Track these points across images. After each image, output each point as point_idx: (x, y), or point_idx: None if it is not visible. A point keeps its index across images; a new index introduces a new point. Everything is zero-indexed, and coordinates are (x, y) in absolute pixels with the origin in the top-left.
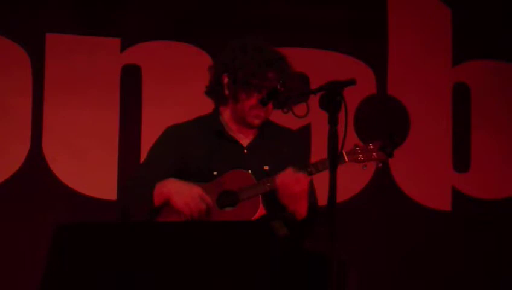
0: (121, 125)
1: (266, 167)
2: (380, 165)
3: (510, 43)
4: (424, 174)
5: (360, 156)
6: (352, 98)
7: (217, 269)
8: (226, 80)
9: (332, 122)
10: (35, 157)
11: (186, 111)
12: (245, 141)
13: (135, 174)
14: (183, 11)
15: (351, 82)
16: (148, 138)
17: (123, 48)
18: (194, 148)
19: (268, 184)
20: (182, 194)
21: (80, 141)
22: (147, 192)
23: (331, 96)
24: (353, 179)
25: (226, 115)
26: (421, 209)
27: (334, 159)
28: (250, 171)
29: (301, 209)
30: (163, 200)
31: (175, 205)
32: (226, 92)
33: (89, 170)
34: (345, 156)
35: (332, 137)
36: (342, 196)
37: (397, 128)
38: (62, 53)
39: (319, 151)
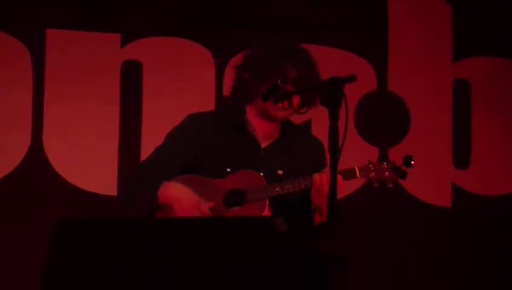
0: (122, 120)
1: (280, 172)
2: (391, 185)
3: (510, 40)
4: (424, 171)
5: (372, 173)
6: (353, 94)
7: (218, 265)
8: (248, 76)
9: (333, 118)
10: (36, 153)
11: (186, 106)
12: (264, 143)
13: (148, 161)
14: (183, 7)
15: (352, 78)
16: (149, 134)
17: (124, 43)
18: (212, 141)
19: (277, 189)
20: (182, 203)
21: (80, 137)
22: (153, 189)
23: (332, 93)
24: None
25: (251, 113)
26: (421, 206)
27: (334, 155)
28: (262, 173)
29: (324, 211)
30: (165, 202)
31: (175, 212)
32: (249, 88)
33: (89, 165)
34: (357, 171)
35: (333, 133)
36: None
37: (397, 124)
38: (62, 49)
39: None
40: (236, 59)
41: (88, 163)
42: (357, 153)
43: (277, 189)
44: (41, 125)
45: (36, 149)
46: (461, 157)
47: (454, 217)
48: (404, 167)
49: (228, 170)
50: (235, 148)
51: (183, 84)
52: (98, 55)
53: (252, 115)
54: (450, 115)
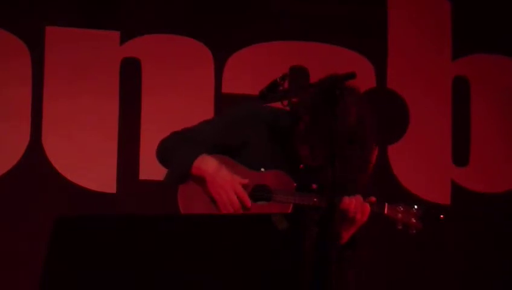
0: (121, 118)
1: (314, 186)
2: (413, 232)
3: (510, 37)
4: (424, 168)
5: (400, 214)
6: None
7: (218, 262)
8: (303, 126)
9: (332, 116)
10: (35, 150)
11: (185, 104)
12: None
13: (194, 130)
14: (182, 4)
15: (351, 76)
16: (148, 131)
17: (123, 41)
18: (260, 138)
19: (304, 199)
20: (217, 181)
21: (80, 134)
22: (189, 158)
23: (331, 90)
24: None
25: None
26: (421, 203)
27: (333, 153)
28: (295, 184)
29: (346, 236)
30: (199, 174)
31: (208, 188)
32: (298, 129)
33: (89, 162)
34: (386, 207)
35: (331, 132)
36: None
37: (396, 122)
38: (62, 46)
39: None
40: (235, 57)
41: (87, 160)
42: None
43: (304, 199)
44: (41, 122)
45: (35, 146)
46: (460, 154)
47: (454, 215)
48: (432, 220)
49: (262, 170)
50: (277, 154)
51: (182, 81)
52: (97, 52)
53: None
54: (450, 113)
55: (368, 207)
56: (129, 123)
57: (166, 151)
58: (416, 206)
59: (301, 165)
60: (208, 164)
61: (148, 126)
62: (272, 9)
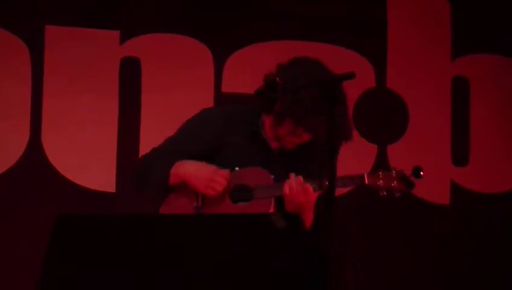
0: (120, 117)
1: (292, 175)
2: (398, 195)
3: (510, 37)
4: (423, 168)
5: (381, 181)
6: (351, 91)
7: (216, 262)
8: (281, 102)
9: (331, 116)
10: (34, 149)
11: (185, 103)
12: (276, 146)
13: (164, 145)
14: (182, 3)
15: (350, 75)
16: (147, 130)
17: (122, 40)
18: (226, 139)
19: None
20: (198, 175)
21: (79, 133)
22: (164, 169)
23: (330, 90)
24: (350, 172)
25: (266, 122)
26: (420, 203)
27: (332, 153)
28: (273, 176)
29: (305, 221)
30: (178, 181)
31: (195, 188)
32: (275, 110)
33: (88, 161)
34: (365, 177)
35: (331, 131)
36: (339, 189)
37: (396, 121)
38: (61, 45)
39: None
40: (235, 56)
41: (87, 159)
42: (356, 150)
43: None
44: (40, 121)
45: (34, 145)
46: (460, 154)
47: (453, 215)
48: (412, 178)
49: (237, 168)
50: (247, 150)
51: (181, 80)
52: (97, 52)
53: (267, 124)
54: (449, 113)
55: (309, 187)
56: (129, 122)
57: (140, 174)
58: (395, 171)
59: (273, 155)
60: (185, 167)
61: (148, 125)
62: (272, 9)
